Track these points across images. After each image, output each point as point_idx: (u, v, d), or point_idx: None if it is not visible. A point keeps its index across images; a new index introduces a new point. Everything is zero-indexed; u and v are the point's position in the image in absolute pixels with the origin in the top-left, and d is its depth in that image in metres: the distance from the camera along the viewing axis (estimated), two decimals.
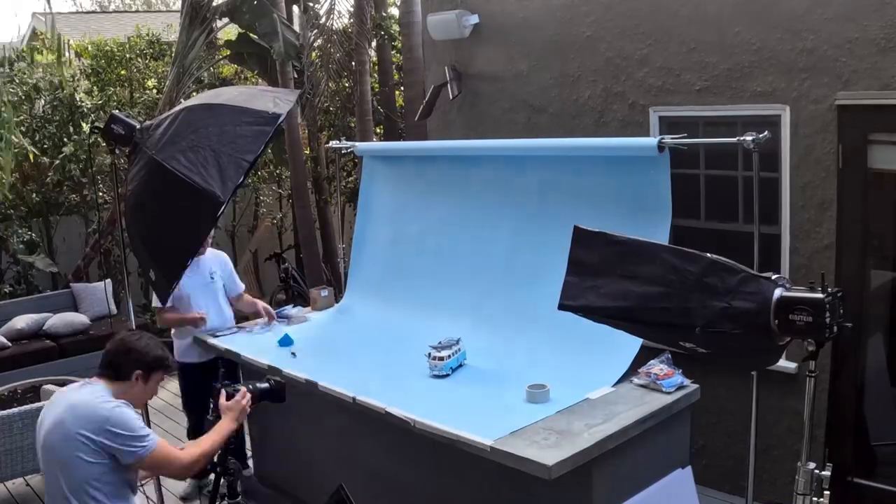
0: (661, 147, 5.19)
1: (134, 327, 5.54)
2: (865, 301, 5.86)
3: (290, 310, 7.26)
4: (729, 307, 3.37)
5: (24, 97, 11.95)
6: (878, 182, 5.69)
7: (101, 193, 12.34)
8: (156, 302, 6.67)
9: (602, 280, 3.84)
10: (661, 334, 3.89)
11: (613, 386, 5.11)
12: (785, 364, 5.98)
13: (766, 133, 4.80)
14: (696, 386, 5.16)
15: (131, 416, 3.87)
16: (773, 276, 3.35)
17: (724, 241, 6.38)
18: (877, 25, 5.40)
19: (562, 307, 4.00)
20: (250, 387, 4.36)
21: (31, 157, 11.19)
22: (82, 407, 3.81)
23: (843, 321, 3.21)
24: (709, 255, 3.52)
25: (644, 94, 6.68)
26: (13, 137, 10.12)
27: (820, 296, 3.14)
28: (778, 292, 3.27)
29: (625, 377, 5.22)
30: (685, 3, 6.33)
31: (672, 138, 5.17)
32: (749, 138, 4.78)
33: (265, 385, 4.46)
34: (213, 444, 4.15)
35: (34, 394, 8.15)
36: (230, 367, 6.01)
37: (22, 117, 11.98)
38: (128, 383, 4.02)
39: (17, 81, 11.79)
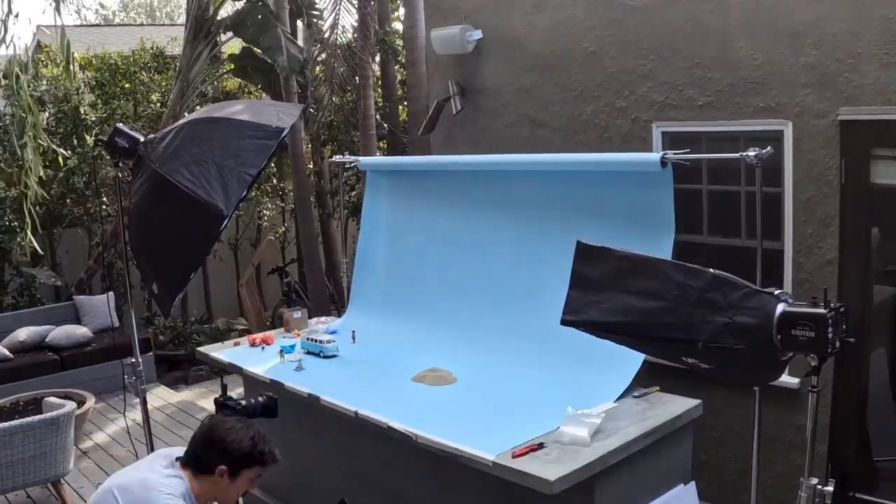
0: (663, 162, 5.18)
1: (136, 340, 5.52)
2: (868, 316, 5.86)
3: None
4: (731, 322, 3.38)
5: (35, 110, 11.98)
6: (880, 197, 5.70)
7: (104, 206, 12.36)
8: None
9: (604, 295, 3.85)
10: (663, 350, 3.90)
11: (616, 401, 5.11)
12: (787, 379, 5.97)
13: (768, 148, 4.80)
14: (698, 401, 5.15)
15: None
16: (776, 292, 3.37)
17: (726, 257, 6.38)
18: (879, 41, 5.41)
19: (564, 322, 4.01)
20: (252, 401, 4.29)
21: (60, 159, 11.23)
22: (139, 488, 3.47)
23: (847, 336, 3.21)
24: (711, 270, 3.54)
25: (647, 109, 6.70)
26: (40, 141, 10.17)
27: (822, 311, 3.14)
28: (781, 307, 3.27)
29: (627, 392, 5.22)
30: (688, 19, 6.34)
31: (675, 153, 5.18)
32: (752, 154, 4.78)
33: (261, 399, 4.32)
34: None
35: (35, 406, 8.15)
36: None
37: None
38: (210, 478, 3.60)
39: (28, 94, 11.81)
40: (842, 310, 3.20)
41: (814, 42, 5.72)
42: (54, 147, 10.98)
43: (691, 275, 3.59)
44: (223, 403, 4.28)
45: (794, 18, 5.79)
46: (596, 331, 3.98)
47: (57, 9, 10.15)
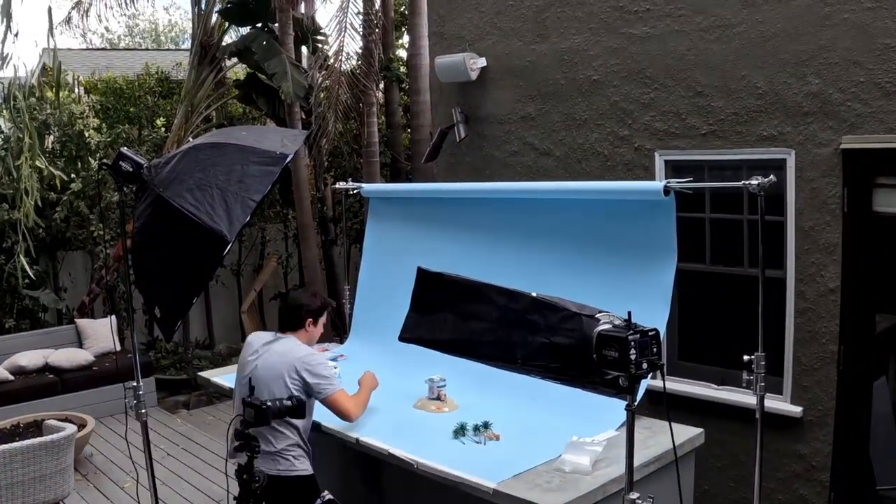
0: (666, 191, 5.18)
1: (138, 363, 5.51)
2: (871, 344, 5.85)
3: None
4: (549, 342, 3.69)
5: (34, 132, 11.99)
6: (882, 225, 5.70)
7: (107, 230, 12.36)
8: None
9: (437, 315, 4.33)
10: (491, 363, 4.18)
11: (617, 429, 5.08)
12: (790, 408, 5.97)
13: (771, 177, 4.81)
14: (700, 430, 5.14)
15: (321, 359, 5.33)
16: (598, 315, 3.55)
17: (729, 285, 6.39)
18: (882, 69, 5.44)
19: (401, 339, 4.47)
20: (278, 403, 4.77)
21: (57, 182, 11.21)
22: (287, 354, 5.17)
23: (658, 359, 3.40)
24: (534, 294, 3.82)
25: (650, 137, 6.72)
26: (38, 163, 10.17)
27: (624, 334, 3.34)
28: (598, 329, 3.47)
29: None
30: (691, 48, 6.38)
31: (678, 182, 5.18)
32: (754, 182, 4.79)
33: (288, 403, 4.84)
34: (366, 398, 5.53)
35: (36, 428, 8.14)
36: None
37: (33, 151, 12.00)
38: (303, 331, 5.40)
39: (28, 117, 11.83)
40: (650, 333, 3.38)
41: (816, 71, 5.75)
42: (52, 170, 10.95)
43: (513, 298, 3.93)
44: (251, 403, 4.68)
45: (796, 47, 5.83)
46: (430, 347, 4.41)
47: (50, 32, 10.17)
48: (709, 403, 6.38)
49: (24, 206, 9.96)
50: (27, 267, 10.33)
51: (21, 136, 10.00)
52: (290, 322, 5.40)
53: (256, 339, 5.45)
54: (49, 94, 12.45)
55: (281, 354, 5.18)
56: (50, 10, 9.74)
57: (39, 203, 10.48)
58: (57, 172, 11.06)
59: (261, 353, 5.25)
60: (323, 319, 5.57)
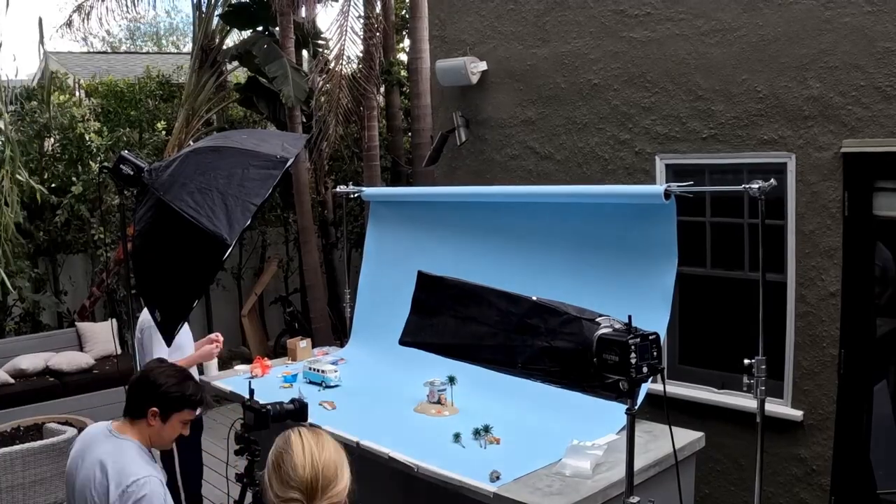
0: (667, 194, 5.18)
1: (138, 367, 5.49)
2: (871, 348, 5.85)
3: None
4: (549, 346, 3.70)
5: (34, 135, 12.00)
6: (883, 229, 5.70)
7: (108, 233, 12.35)
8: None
9: (437, 319, 4.33)
10: (491, 367, 4.18)
11: (618, 433, 5.08)
12: (791, 412, 5.97)
13: (771, 181, 4.81)
14: (700, 434, 5.13)
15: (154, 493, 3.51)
16: (598, 318, 3.58)
17: (729, 289, 6.38)
18: (882, 73, 5.44)
19: (402, 343, 4.47)
20: (277, 407, 4.60)
21: (38, 196, 11.14)
22: (108, 468, 3.56)
23: (658, 363, 3.44)
24: (534, 297, 3.84)
25: (650, 141, 6.72)
26: (18, 176, 10.11)
27: (625, 338, 3.37)
28: (599, 333, 3.49)
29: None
30: (692, 52, 6.38)
31: (678, 186, 5.18)
32: (755, 186, 4.79)
33: (290, 406, 4.69)
34: None
35: (36, 432, 8.13)
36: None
37: (31, 155, 12.00)
38: (143, 423, 3.74)
39: (28, 120, 11.84)
40: (651, 337, 3.42)
41: (816, 75, 5.75)
42: (33, 184, 10.82)
43: (513, 302, 3.93)
44: (249, 406, 4.59)
45: (796, 51, 5.83)
46: (430, 351, 4.41)
47: (41, 42, 10.19)
48: (709, 407, 6.38)
49: (3, 217, 9.85)
50: (6, 279, 10.20)
51: (2, 149, 9.92)
52: (130, 405, 3.82)
53: (88, 434, 3.89)
54: (52, 97, 12.44)
55: (93, 466, 3.63)
56: (41, 20, 9.76)
57: (21, 220, 10.40)
58: (38, 187, 10.95)
59: (81, 460, 3.73)
60: (181, 417, 3.84)
